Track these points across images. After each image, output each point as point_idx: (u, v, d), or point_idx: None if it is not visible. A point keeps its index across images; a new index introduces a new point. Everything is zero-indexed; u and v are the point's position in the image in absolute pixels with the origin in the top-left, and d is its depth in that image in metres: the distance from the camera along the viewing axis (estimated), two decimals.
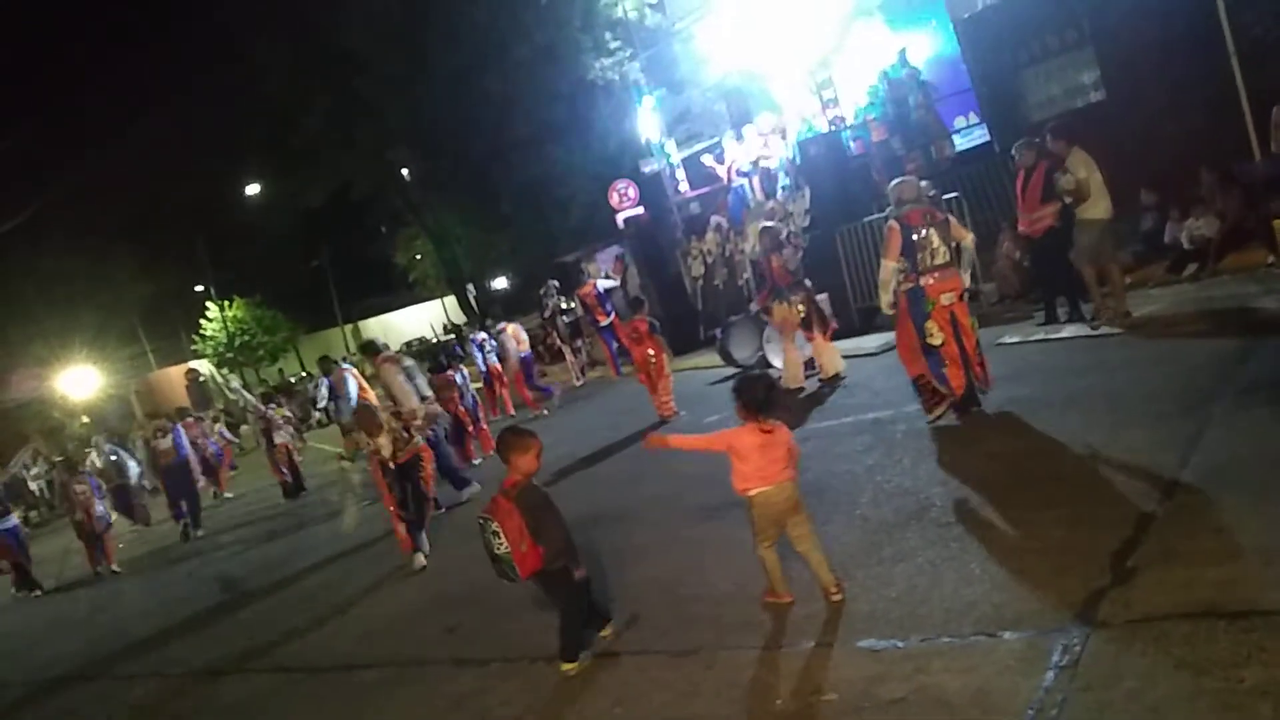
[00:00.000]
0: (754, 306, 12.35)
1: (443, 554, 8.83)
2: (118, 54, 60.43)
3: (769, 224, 11.84)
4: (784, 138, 17.14)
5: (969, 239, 8.21)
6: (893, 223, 8.07)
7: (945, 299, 7.81)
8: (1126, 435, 6.36)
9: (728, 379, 11.93)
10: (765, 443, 5.11)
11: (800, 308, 10.89)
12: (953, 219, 8.33)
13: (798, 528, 5.22)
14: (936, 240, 7.87)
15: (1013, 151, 10.77)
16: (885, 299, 8.24)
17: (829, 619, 5.03)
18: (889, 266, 8.04)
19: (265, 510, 15.41)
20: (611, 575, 6.58)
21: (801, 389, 11.02)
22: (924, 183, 13.22)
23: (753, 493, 5.16)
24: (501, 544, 5.14)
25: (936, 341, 7.84)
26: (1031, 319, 11.13)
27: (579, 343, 19.92)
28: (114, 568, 13.74)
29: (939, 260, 7.87)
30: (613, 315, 18.04)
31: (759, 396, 5.12)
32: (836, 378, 10.96)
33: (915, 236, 7.88)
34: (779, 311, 11.03)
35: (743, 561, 6.00)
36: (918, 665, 4.32)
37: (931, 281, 7.84)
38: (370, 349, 12.85)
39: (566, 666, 5.41)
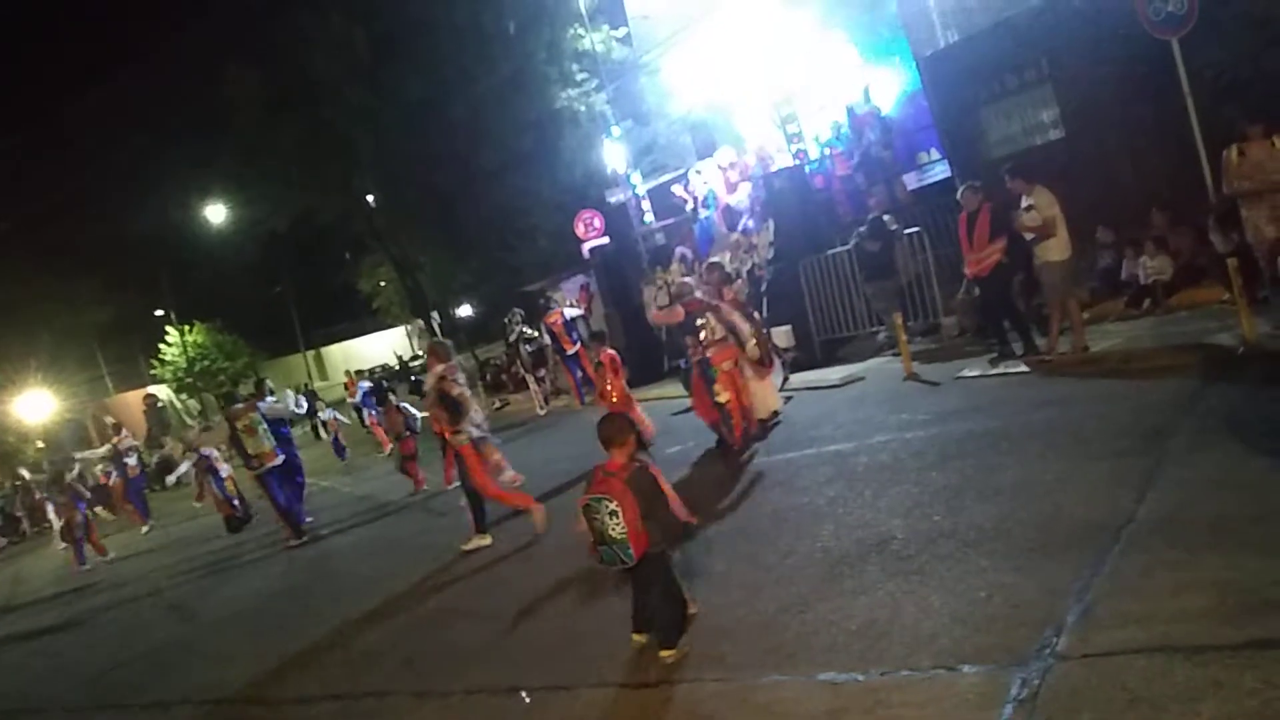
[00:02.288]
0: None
1: (397, 584, 8.76)
2: (83, 78, 59.98)
3: (714, 260, 11.85)
4: (745, 173, 17.31)
5: (736, 317, 10.23)
6: (678, 307, 10.22)
7: (726, 366, 9.82)
8: (1084, 470, 6.42)
9: (690, 409, 11.93)
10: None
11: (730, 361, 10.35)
12: (723, 305, 10.38)
13: None
14: (713, 322, 9.92)
15: (958, 196, 10.95)
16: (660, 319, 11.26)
17: (791, 652, 5.02)
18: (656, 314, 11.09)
19: (206, 544, 15.13)
20: (574, 609, 6.53)
21: (776, 415, 10.89)
22: (887, 216, 13.47)
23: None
24: (619, 525, 5.13)
25: (723, 399, 9.77)
26: (991, 353, 11.26)
27: (542, 372, 19.90)
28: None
29: (717, 337, 9.91)
30: (578, 344, 18.06)
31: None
32: (773, 415, 10.86)
33: (698, 321, 9.88)
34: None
35: (704, 594, 6.01)
36: (878, 699, 4.32)
37: (713, 354, 9.83)
38: (231, 400, 13.75)
39: (666, 653, 5.35)
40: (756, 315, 11.11)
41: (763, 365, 10.71)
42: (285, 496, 12.57)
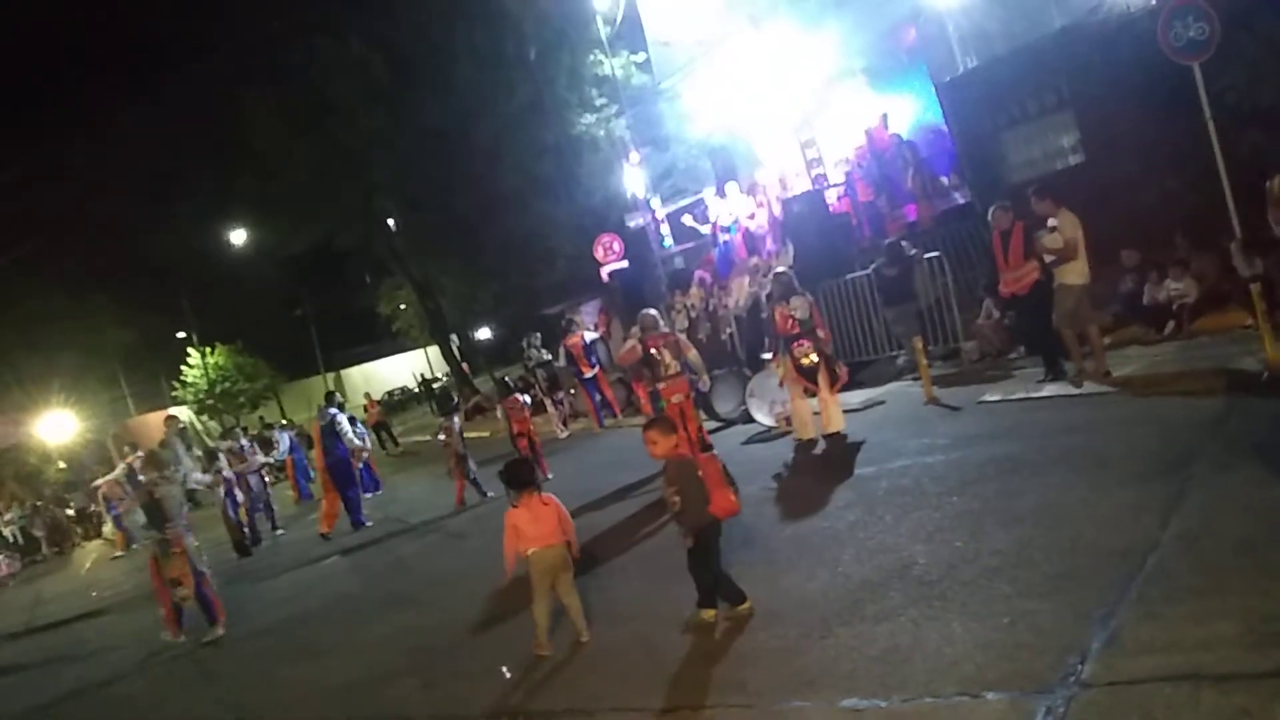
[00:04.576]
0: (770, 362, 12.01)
1: (412, 613, 8.78)
2: (104, 99, 60.69)
3: (781, 270, 11.60)
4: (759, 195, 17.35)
5: (693, 353, 10.85)
6: (635, 343, 10.79)
7: (675, 399, 10.44)
8: (1107, 495, 6.37)
9: (711, 433, 11.92)
10: (535, 515, 6.27)
11: (809, 358, 10.64)
12: (681, 338, 11.22)
13: (564, 584, 6.37)
14: (669, 357, 10.53)
15: (989, 215, 10.89)
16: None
17: (812, 678, 4.99)
18: (621, 360, 11.57)
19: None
20: (593, 631, 6.52)
21: (814, 441, 10.75)
22: (905, 241, 13.46)
23: (529, 552, 6.25)
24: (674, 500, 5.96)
25: None
26: (1014, 376, 11.22)
27: (559, 394, 19.91)
28: None
29: (671, 372, 10.53)
30: (597, 367, 18.08)
31: (524, 476, 6.43)
32: (837, 435, 10.66)
33: (653, 352, 10.50)
34: (780, 367, 10.97)
35: (728, 621, 5.99)
36: None
37: (664, 387, 10.50)
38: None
39: (707, 614, 6.10)
40: (822, 333, 10.84)
41: (822, 382, 10.62)
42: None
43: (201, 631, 9.82)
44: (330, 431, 14.52)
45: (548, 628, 6.39)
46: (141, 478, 10.45)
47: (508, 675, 6.22)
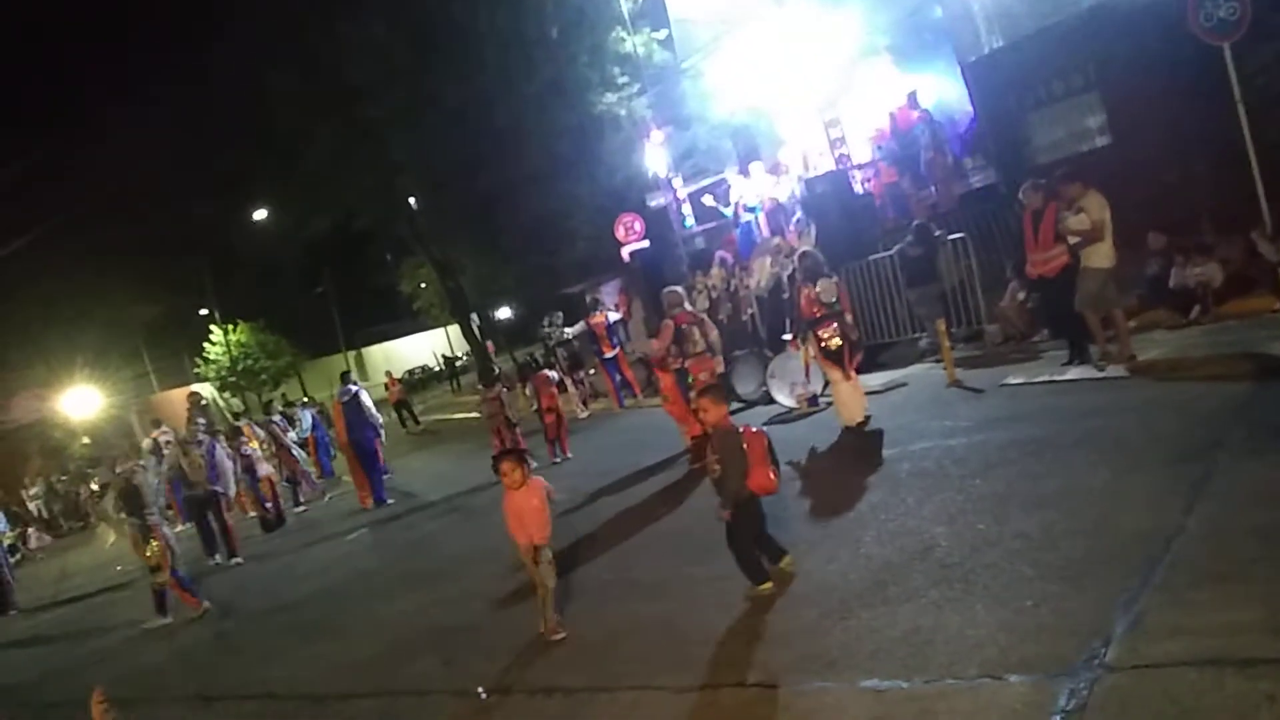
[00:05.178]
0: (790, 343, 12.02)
1: (434, 590, 8.84)
2: (127, 78, 60.89)
3: (807, 250, 11.35)
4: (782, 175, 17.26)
5: (714, 335, 11.18)
6: (668, 321, 11.01)
7: (703, 376, 10.57)
8: (1131, 479, 6.34)
9: (733, 413, 11.90)
10: (521, 511, 6.45)
11: (835, 341, 10.19)
12: (704, 319, 11.42)
13: (544, 568, 6.44)
14: (696, 334, 10.84)
15: (1020, 195, 10.77)
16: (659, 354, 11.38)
17: (833, 659, 5.00)
18: (657, 345, 11.24)
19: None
20: (612, 609, 6.56)
21: (864, 422, 10.17)
22: (930, 222, 13.38)
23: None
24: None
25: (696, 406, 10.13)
26: (1038, 359, 11.15)
27: (581, 374, 19.91)
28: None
29: (698, 349, 10.85)
30: (618, 348, 18.08)
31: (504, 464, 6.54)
32: (865, 421, 10.23)
33: (684, 328, 10.81)
34: (805, 349, 10.85)
35: (743, 600, 6.01)
36: (922, 707, 4.30)
37: (691, 363, 10.77)
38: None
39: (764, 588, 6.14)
40: (849, 318, 10.49)
41: (846, 367, 10.20)
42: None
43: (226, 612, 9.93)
44: (354, 407, 14.63)
45: (554, 615, 6.50)
46: (118, 469, 10.58)
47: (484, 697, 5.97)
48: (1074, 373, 10.01)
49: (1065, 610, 4.76)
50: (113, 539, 17.30)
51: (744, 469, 5.98)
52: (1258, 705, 3.60)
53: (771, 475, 6.06)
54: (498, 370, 19.28)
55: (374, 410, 15.10)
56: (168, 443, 19.14)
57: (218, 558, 13.30)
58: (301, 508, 16.57)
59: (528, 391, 14.67)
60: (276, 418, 17.50)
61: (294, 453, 16.90)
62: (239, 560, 12.99)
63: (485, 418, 14.59)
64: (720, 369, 11.15)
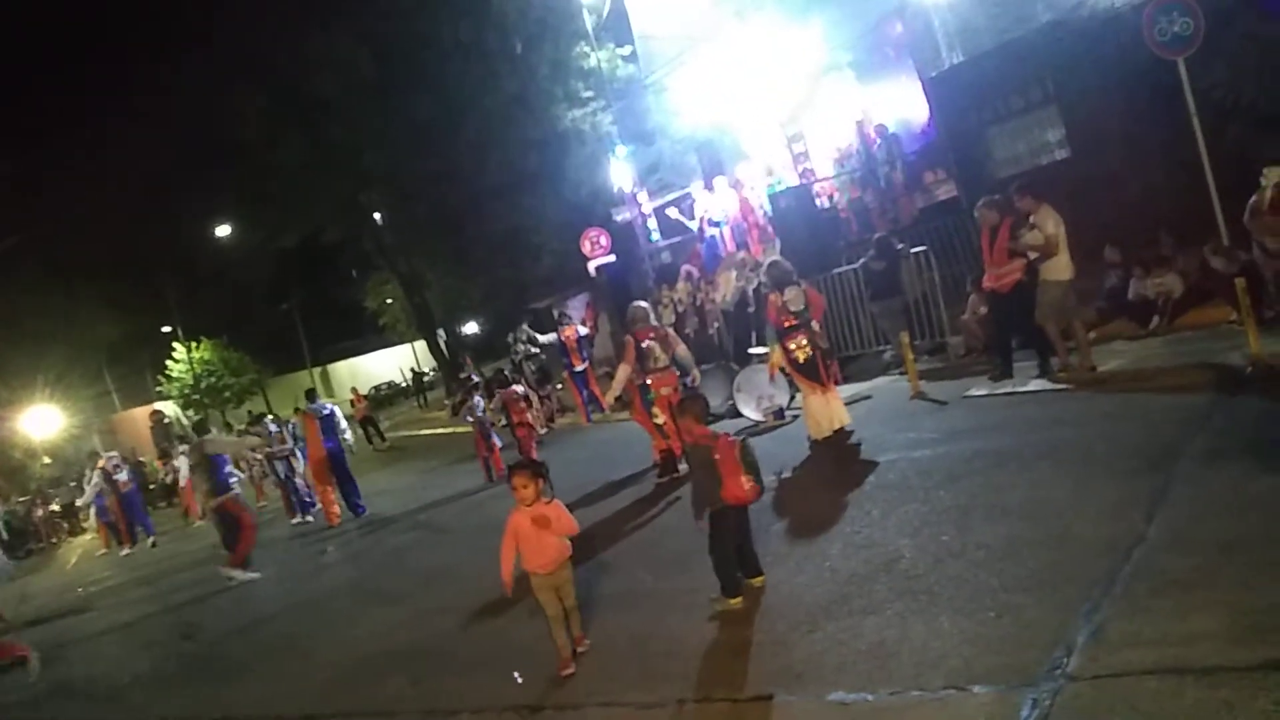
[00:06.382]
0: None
1: (402, 608, 8.77)
2: (90, 93, 60.30)
3: (777, 259, 11.35)
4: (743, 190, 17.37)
5: (682, 349, 11.12)
6: (628, 337, 10.89)
7: (664, 391, 10.59)
8: (1093, 489, 6.40)
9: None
10: (539, 536, 5.79)
11: (805, 351, 10.06)
12: (670, 333, 11.33)
13: (566, 594, 5.98)
14: (659, 350, 10.73)
15: (975, 211, 10.89)
16: (612, 393, 11.45)
17: (800, 672, 5.01)
18: (624, 370, 10.90)
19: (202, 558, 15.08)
20: (584, 623, 6.52)
21: (835, 434, 10.00)
22: (892, 236, 13.49)
23: (531, 574, 5.89)
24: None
25: (659, 421, 10.60)
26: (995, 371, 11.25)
27: (547, 388, 19.88)
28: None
29: (660, 364, 10.73)
30: (587, 362, 18.07)
31: (535, 474, 5.92)
32: (841, 431, 10.09)
33: (644, 345, 10.68)
34: (772, 356, 10.82)
35: (710, 613, 6.00)
36: (888, 719, 4.30)
37: (653, 379, 10.67)
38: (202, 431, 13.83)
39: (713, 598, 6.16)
40: (816, 326, 10.24)
41: (821, 381, 10.07)
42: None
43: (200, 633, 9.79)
44: (329, 424, 14.76)
45: (568, 645, 5.97)
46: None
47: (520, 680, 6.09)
48: (1035, 384, 10.11)
49: (1028, 620, 4.79)
50: (74, 560, 17.06)
51: (717, 479, 5.95)
52: (1217, 714, 3.63)
53: (745, 484, 5.99)
54: (475, 379, 19.20)
55: (347, 430, 15.22)
56: (116, 466, 19.01)
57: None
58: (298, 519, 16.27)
59: (493, 406, 14.68)
60: (273, 427, 17.34)
61: (279, 466, 16.66)
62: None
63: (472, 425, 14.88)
64: (695, 383, 11.01)
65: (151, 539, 18.99)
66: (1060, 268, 9.97)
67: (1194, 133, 10.92)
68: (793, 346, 10.14)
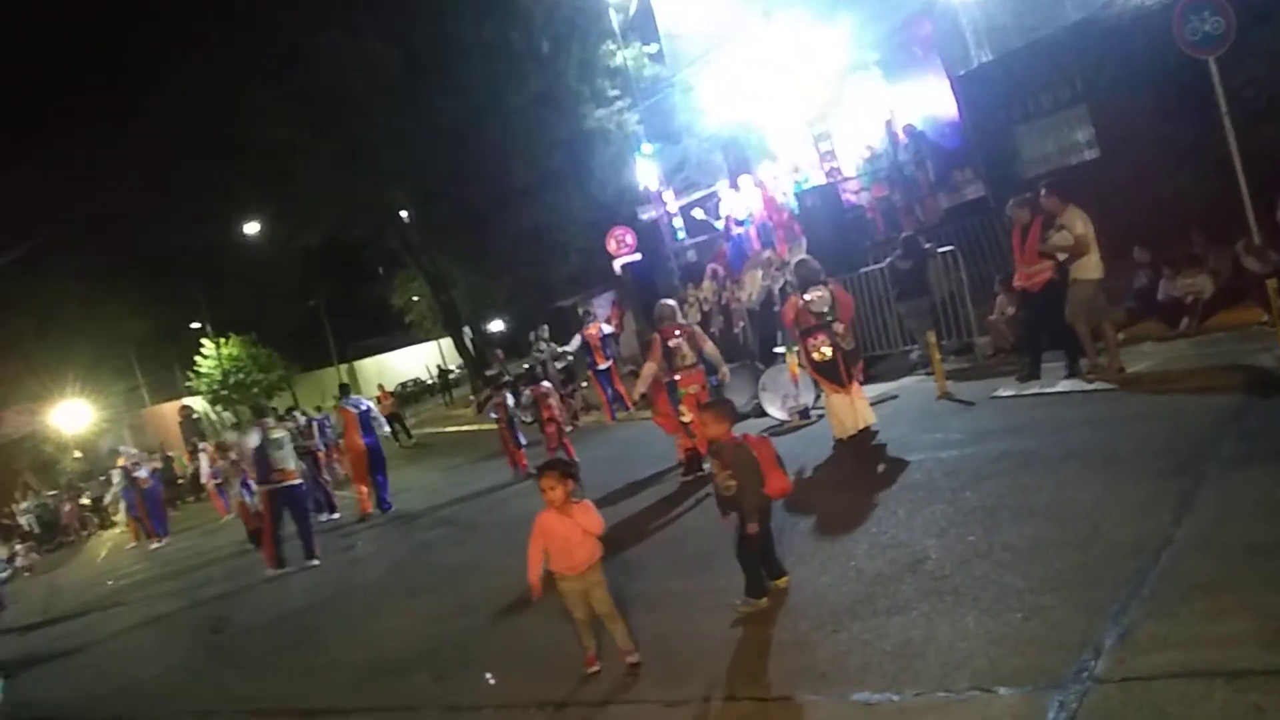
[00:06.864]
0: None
1: (426, 604, 8.83)
2: (120, 92, 60.85)
3: (805, 258, 11.23)
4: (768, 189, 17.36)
5: (709, 346, 10.98)
6: (655, 335, 10.83)
7: (692, 389, 10.49)
8: (1121, 491, 6.36)
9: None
10: (567, 536, 5.60)
11: (822, 352, 10.07)
12: (697, 331, 11.23)
13: (599, 601, 5.74)
14: (686, 348, 10.58)
15: (1007, 210, 10.82)
16: (638, 390, 11.50)
17: (824, 672, 5.01)
18: (650, 367, 10.81)
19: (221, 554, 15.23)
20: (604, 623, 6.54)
21: (860, 434, 10.03)
22: (919, 235, 13.43)
23: (557, 577, 5.71)
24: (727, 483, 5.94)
25: (686, 419, 10.44)
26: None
27: (571, 387, 19.90)
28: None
29: (687, 362, 10.60)
30: (611, 360, 18.10)
31: (564, 473, 5.74)
32: (866, 430, 10.10)
33: (671, 344, 10.57)
34: (789, 359, 10.91)
35: (735, 613, 6.01)
36: None
37: (680, 377, 10.56)
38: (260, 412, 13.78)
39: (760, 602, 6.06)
40: (840, 328, 10.12)
41: (844, 381, 10.05)
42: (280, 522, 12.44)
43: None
44: (367, 419, 15.09)
45: (594, 644, 5.89)
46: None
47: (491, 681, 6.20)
48: (1064, 385, 10.04)
49: (1055, 622, 4.77)
50: (104, 554, 17.26)
51: (760, 479, 5.92)
52: (1246, 717, 3.61)
53: (786, 477, 6.09)
54: (506, 375, 19.23)
55: (385, 425, 15.88)
56: (135, 464, 19.23)
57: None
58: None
59: (524, 403, 14.76)
60: (303, 420, 17.45)
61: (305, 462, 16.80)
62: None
63: (496, 421, 15.14)
64: (726, 379, 10.95)
65: (163, 540, 19.13)
66: (1091, 266, 9.90)
67: (1225, 132, 10.81)
68: (812, 346, 10.18)
